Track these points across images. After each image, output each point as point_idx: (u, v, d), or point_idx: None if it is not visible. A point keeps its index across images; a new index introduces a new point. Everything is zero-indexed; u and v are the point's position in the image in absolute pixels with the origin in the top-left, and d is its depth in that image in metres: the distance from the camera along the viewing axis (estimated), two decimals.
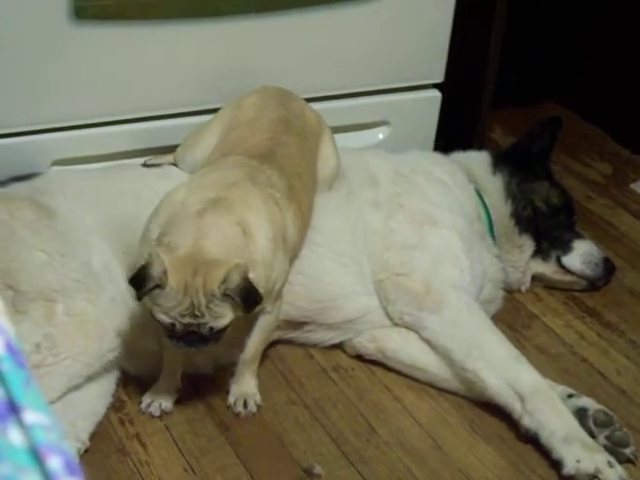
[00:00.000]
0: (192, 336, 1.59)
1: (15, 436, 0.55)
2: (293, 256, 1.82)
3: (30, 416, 0.56)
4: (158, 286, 1.53)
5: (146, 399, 1.80)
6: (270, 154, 1.80)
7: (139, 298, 1.57)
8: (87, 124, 2.05)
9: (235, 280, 1.52)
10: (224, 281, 1.52)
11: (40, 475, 0.53)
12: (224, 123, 1.94)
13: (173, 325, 1.58)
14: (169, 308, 1.55)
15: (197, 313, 1.55)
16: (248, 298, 1.55)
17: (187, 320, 1.56)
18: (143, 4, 1.97)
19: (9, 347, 0.60)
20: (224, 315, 1.57)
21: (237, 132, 1.88)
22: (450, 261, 1.96)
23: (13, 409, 0.56)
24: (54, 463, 0.54)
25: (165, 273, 1.52)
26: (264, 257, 1.60)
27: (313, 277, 1.92)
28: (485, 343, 1.87)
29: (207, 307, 1.55)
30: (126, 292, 1.80)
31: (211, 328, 1.58)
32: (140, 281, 1.54)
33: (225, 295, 1.54)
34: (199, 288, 1.53)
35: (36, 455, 0.54)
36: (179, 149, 2.01)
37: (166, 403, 1.79)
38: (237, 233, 1.58)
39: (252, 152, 1.79)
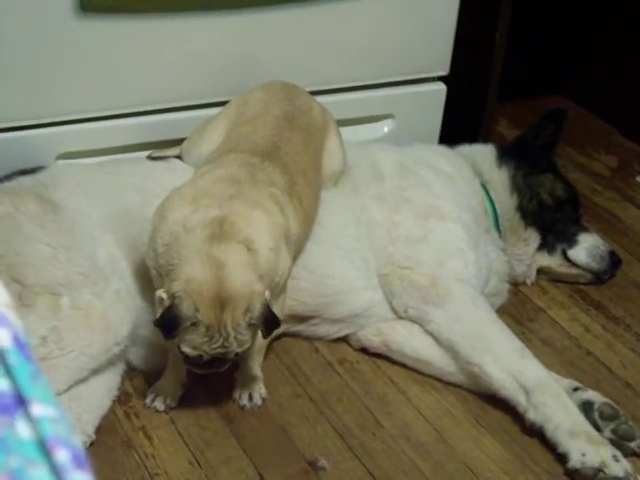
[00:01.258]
0: (215, 362, 1.63)
1: (23, 429, 0.55)
2: (298, 251, 1.82)
3: (38, 409, 0.56)
4: (192, 325, 1.55)
5: (151, 394, 1.80)
6: (273, 151, 1.79)
7: (171, 338, 1.58)
8: (92, 117, 2.05)
9: (258, 309, 1.57)
10: (247, 311, 1.56)
11: (48, 468, 0.53)
12: (230, 118, 1.94)
13: (200, 356, 1.61)
14: (200, 343, 1.58)
15: (226, 344, 1.59)
16: (269, 325, 1.61)
17: (216, 351, 1.60)
18: None
19: (16, 340, 0.60)
20: (248, 341, 1.62)
21: (241, 128, 1.88)
22: (455, 255, 1.96)
23: (21, 402, 0.56)
24: (62, 456, 0.54)
25: (197, 311, 1.54)
26: (268, 268, 1.62)
27: (319, 272, 1.92)
28: (490, 336, 1.86)
29: (235, 337, 1.58)
30: (131, 285, 1.81)
31: (236, 354, 1.63)
32: (170, 321, 1.55)
33: (250, 324, 1.58)
34: (228, 322, 1.56)
35: (44, 448, 0.54)
36: (185, 143, 2.00)
37: (171, 398, 1.79)
38: (245, 254, 1.59)
39: (255, 149, 1.79)
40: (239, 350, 1.62)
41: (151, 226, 1.67)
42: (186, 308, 1.54)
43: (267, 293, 1.59)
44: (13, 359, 0.58)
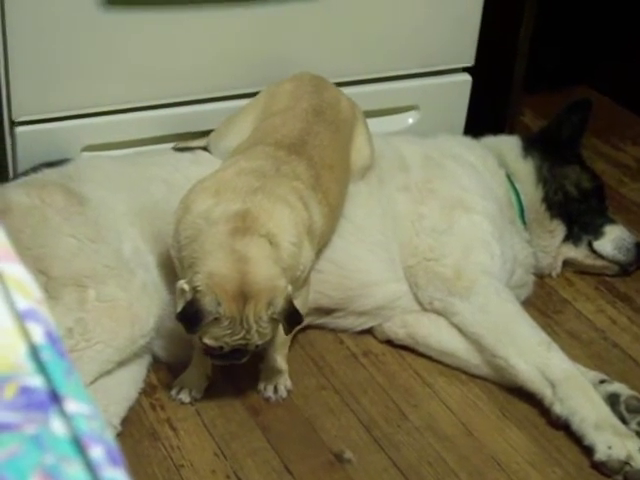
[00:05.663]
0: (235, 353, 1.64)
1: (57, 426, 0.55)
2: (322, 244, 1.82)
3: (72, 405, 0.56)
4: (215, 319, 1.56)
5: (176, 386, 1.81)
6: (300, 144, 1.79)
7: (194, 332, 1.59)
8: (118, 110, 2.05)
9: (280, 304, 1.57)
10: (270, 305, 1.56)
11: (83, 465, 0.54)
12: (258, 111, 1.94)
13: (220, 347, 1.61)
14: (221, 335, 1.59)
15: (248, 337, 1.59)
16: (291, 320, 1.61)
17: (237, 343, 1.60)
18: None
19: (49, 336, 0.60)
20: (269, 333, 1.62)
21: (269, 121, 1.87)
22: (481, 247, 1.95)
23: (55, 399, 0.56)
24: (96, 453, 0.55)
25: (219, 306, 1.55)
26: (290, 262, 1.62)
27: (344, 266, 1.92)
28: (515, 329, 1.86)
29: (256, 330, 1.59)
30: (157, 278, 1.81)
31: (256, 346, 1.63)
32: (193, 316, 1.56)
33: (272, 318, 1.58)
34: (250, 315, 1.56)
35: (78, 445, 0.54)
36: (213, 135, 2.00)
37: (196, 390, 1.80)
38: (268, 248, 1.59)
39: (282, 142, 1.78)
40: (260, 342, 1.62)
41: (175, 218, 1.67)
42: (208, 303, 1.54)
43: (289, 287, 1.59)
44: (47, 355, 0.58)
